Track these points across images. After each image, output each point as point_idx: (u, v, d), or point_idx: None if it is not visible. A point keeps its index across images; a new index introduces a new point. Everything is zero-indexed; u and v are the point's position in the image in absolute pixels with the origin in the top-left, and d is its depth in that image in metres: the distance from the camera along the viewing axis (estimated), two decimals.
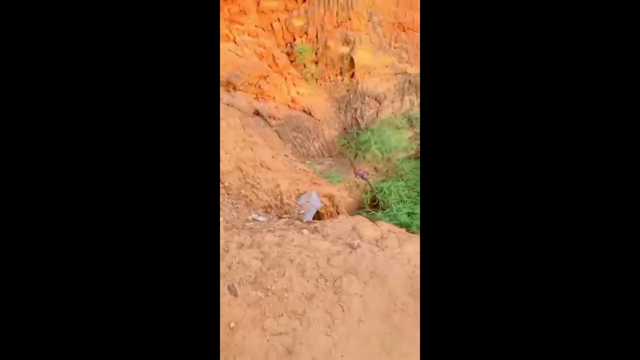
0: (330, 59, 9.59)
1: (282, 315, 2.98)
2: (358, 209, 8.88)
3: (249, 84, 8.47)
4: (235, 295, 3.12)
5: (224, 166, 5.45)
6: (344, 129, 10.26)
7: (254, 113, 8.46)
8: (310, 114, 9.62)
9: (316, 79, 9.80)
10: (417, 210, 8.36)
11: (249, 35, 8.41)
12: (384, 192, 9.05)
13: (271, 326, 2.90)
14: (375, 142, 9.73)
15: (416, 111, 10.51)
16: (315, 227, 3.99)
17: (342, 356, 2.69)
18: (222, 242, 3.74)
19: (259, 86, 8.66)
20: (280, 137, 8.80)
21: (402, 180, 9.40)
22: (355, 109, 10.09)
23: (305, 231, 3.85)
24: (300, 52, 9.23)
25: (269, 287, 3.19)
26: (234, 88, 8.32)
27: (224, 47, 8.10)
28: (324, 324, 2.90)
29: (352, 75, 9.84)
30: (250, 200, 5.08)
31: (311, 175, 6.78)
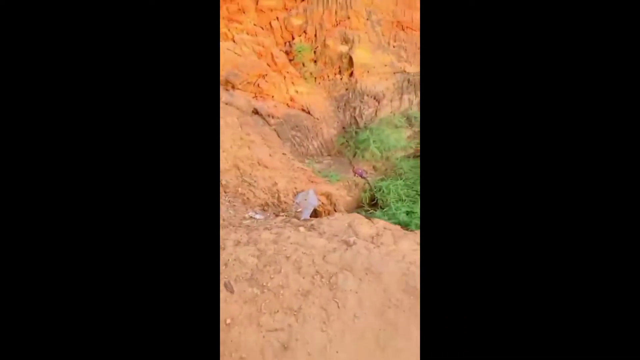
0: (329, 58, 9.59)
1: (277, 311, 3.00)
2: (357, 207, 8.89)
3: (248, 82, 8.48)
4: (232, 292, 3.14)
5: (221, 164, 5.47)
6: (343, 127, 10.26)
7: (252, 112, 8.47)
8: (309, 112, 9.63)
9: (315, 78, 9.80)
10: (416, 209, 8.36)
11: (247, 34, 8.41)
12: (383, 191, 9.05)
13: (267, 322, 2.92)
14: (374, 141, 9.72)
15: (415, 110, 10.50)
16: (312, 225, 4.01)
17: (337, 352, 2.71)
18: None
19: (258, 85, 8.66)
20: (279, 136, 8.81)
21: (400, 179, 9.40)
22: (354, 108, 10.09)
23: (301, 228, 3.87)
24: (299, 51, 9.23)
25: (265, 284, 3.21)
26: (233, 87, 8.33)
27: (223, 45, 8.11)
28: (319, 320, 2.92)
29: (351, 74, 9.84)
30: (248, 198, 5.09)
31: (309, 173, 6.80)
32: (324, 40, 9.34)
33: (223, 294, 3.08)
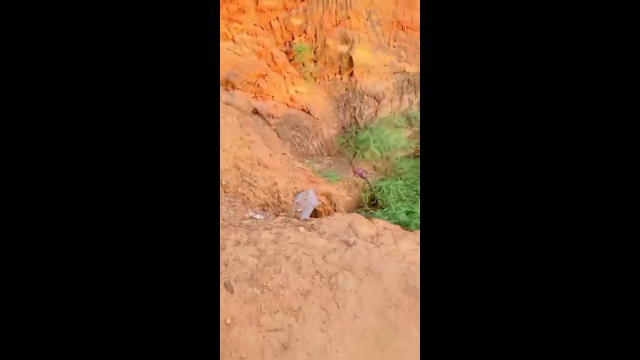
0: (329, 58, 9.59)
1: (277, 311, 3.00)
2: (357, 207, 8.88)
3: (248, 82, 8.48)
4: (232, 292, 3.14)
5: (221, 164, 5.47)
6: (343, 127, 10.27)
7: (252, 112, 8.47)
8: (309, 112, 9.63)
9: (315, 78, 9.81)
10: (416, 209, 8.36)
11: (247, 34, 8.41)
12: (383, 191, 9.05)
13: (267, 322, 2.92)
14: (374, 141, 9.73)
15: (415, 110, 10.51)
16: (312, 225, 4.01)
17: (337, 352, 2.71)
18: None
19: (258, 85, 8.67)
20: (279, 136, 8.82)
21: (400, 179, 9.40)
22: (354, 108, 10.09)
23: (301, 228, 3.87)
24: (299, 51, 9.23)
25: (265, 284, 3.21)
26: (233, 87, 8.33)
27: (223, 45, 8.12)
28: (319, 320, 2.92)
29: (351, 74, 9.84)
30: (248, 198, 5.10)
31: (309, 173, 6.80)
32: (324, 40, 9.34)
33: (223, 294, 3.08)
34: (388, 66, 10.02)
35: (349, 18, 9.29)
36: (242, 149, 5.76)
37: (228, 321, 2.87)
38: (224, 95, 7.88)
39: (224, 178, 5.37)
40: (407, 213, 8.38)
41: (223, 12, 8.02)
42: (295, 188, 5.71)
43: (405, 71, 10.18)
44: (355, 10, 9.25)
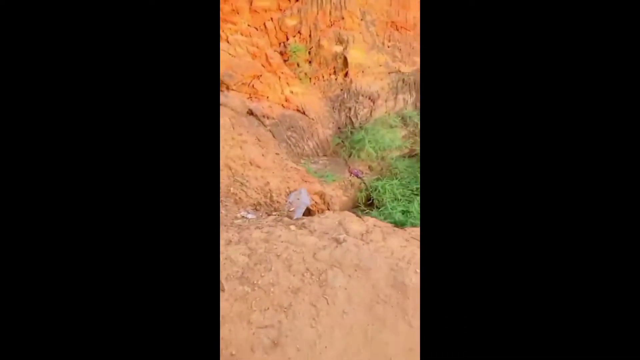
0: (323, 58, 9.61)
1: (268, 308, 3.03)
2: (353, 207, 8.89)
3: (242, 83, 8.50)
4: (223, 290, 3.16)
5: None
6: (338, 128, 10.29)
7: (247, 113, 8.49)
8: (304, 113, 9.64)
9: (310, 78, 9.82)
10: (412, 208, 8.38)
11: (241, 34, 8.43)
12: (379, 191, 9.06)
13: (257, 319, 2.95)
14: (369, 141, 9.75)
15: (410, 110, 10.54)
16: (303, 223, 4.04)
17: (325, 347, 2.74)
18: None
19: (253, 86, 8.68)
20: (274, 137, 8.83)
21: (396, 179, 9.41)
22: (349, 108, 10.12)
23: (292, 227, 3.90)
24: (294, 52, 9.25)
25: (255, 282, 3.24)
26: (227, 88, 8.35)
27: None
28: (309, 316, 2.95)
29: (346, 75, 9.86)
30: (240, 198, 5.12)
31: (302, 173, 6.83)
32: (319, 41, 9.36)
33: None
34: (383, 66, 10.05)
35: (343, 18, 9.32)
36: (234, 149, 5.78)
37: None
38: None
39: None
40: (403, 212, 8.40)
41: None
42: (288, 188, 5.74)
43: (399, 71, 10.22)
44: (350, 10, 9.28)
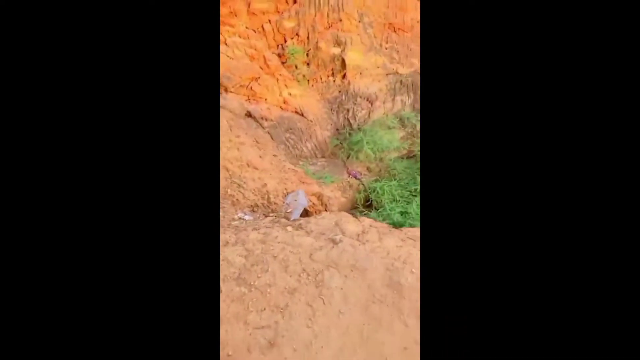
0: (321, 60, 9.65)
1: (264, 309, 3.04)
2: (352, 208, 8.90)
3: (241, 85, 8.53)
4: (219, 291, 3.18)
5: None
6: (337, 129, 10.32)
7: (245, 115, 8.52)
8: (302, 115, 9.67)
9: (308, 80, 9.85)
10: (410, 209, 8.38)
11: (239, 37, 8.47)
12: (377, 192, 9.06)
13: (254, 320, 2.96)
14: (367, 142, 9.77)
15: (408, 111, 10.58)
16: (300, 224, 4.05)
17: (322, 347, 2.75)
18: None
19: (251, 88, 8.71)
20: (272, 139, 8.85)
21: (394, 180, 9.42)
22: (348, 110, 10.15)
23: (289, 228, 3.92)
24: (292, 54, 9.28)
25: (252, 283, 3.25)
26: (225, 90, 8.38)
27: None
28: (305, 316, 2.96)
29: (344, 76, 9.90)
30: (237, 199, 5.13)
31: (300, 174, 6.84)
32: (317, 43, 9.40)
33: None
34: (380, 68, 10.10)
35: (340, 20, 9.36)
36: (231, 150, 5.80)
37: None
38: None
39: None
40: (402, 213, 8.40)
41: None
42: (286, 189, 5.76)
43: (397, 73, 10.26)
44: (347, 12, 9.32)
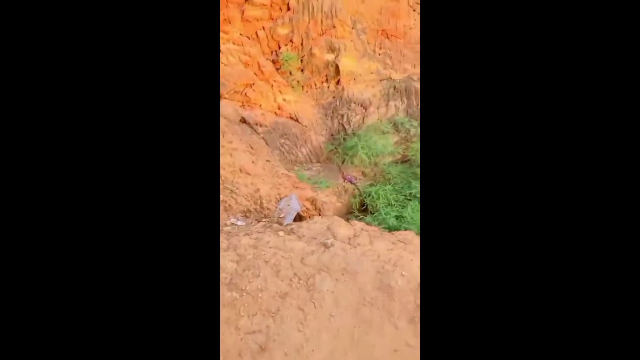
0: (315, 66, 9.72)
1: (256, 314, 3.04)
2: (347, 213, 8.91)
3: (235, 92, 8.57)
4: None
5: None
6: (331, 134, 10.37)
7: (240, 121, 8.55)
8: (297, 120, 9.72)
9: (302, 86, 9.91)
10: (405, 213, 8.40)
11: (233, 43, 8.53)
12: (372, 197, 9.08)
13: (245, 325, 2.96)
14: (362, 147, 9.82)
15: (401, 116, 10.66)
16: (292, 229, 4.06)
17: (313, 350, 2.75)
18: None
19: (245, 94, 8.76)
20: (267, 144, 8.88)
21: (389, 184, 9.45)
22: (342, 115, 10.21)
23: (281, 233, 3.93)
24: (286, 60, 9.35)
25: (243, 288, 3.25)
26: (220, 96, 8.42)
27: None
28: (296, 320, 2.97)
29: (338, 82, 9.97)
30: (229, 205, 5.14)
31: (293, 179, 6.86)
32: (311, 49, 9.48)
33: None
34: (374, 74, 10.19)
35: (334, 27, 9.45)
36: (224, 156, 5.82)
37: None
38: None
39: None
40: (397, 218, 8.41)
41: None
42: (279, 194, 5.77)
43: (390, 78, 10.36)
44: (341, 19, 9.42)
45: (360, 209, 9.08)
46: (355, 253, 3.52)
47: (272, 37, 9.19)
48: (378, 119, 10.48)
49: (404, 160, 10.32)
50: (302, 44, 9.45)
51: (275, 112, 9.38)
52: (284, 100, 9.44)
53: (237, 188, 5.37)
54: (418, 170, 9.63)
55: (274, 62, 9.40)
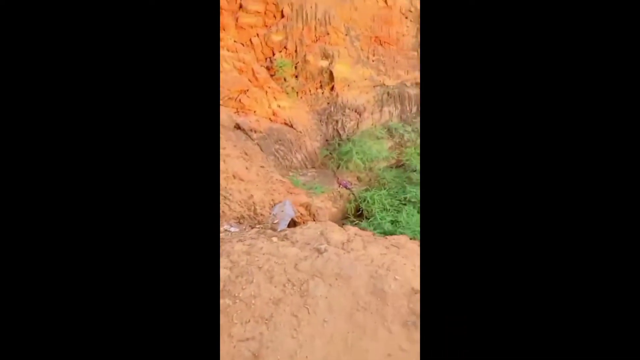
0: (310, 73, 9.80)
1: (249, 321, 3.02)
2: (343, 218, 8.93)
3: (229, 98, 8.60)
4: None
5: None
6: (326, 140, 10.43)
7: (234, 127, 8.57)
8: (292, 126, 9.77)
9: (297, 93, 9.99)
10: (400, 218, 8.43)
11: (228, 50, 8.58)
12: (368, 201, 9.11)
13: (238, 332, 2.94)
14: (356, 153, 9.90)
15: (395, 122, 10.76)
16: (285, 235, 4.05)
17: (306, 357, 2.73)
18: None
19: (239, 100, 8.79)
20: (262, 150, 8.90)
21: (384, 189, 9.50)
22: (336, 121, 10.29)
23: (274, 239, 3.92)
24: (280, 66, 9.42)
25: (237, 295, 3.23)
26: None
27: None
28: (290, 326, 2.95)
29: (332, 88, 10.06)
30: (223, 211, 5.12)
31: (288, 185, 6.86)
32: (305, 56, 9.56)
33: None
34: (368, 80, 10.29)
35: (328, 34, 9.55)
36: None
37: None
38: None
39: None
40: (392, 222, 8.44)
41: None
42: (273, 200, 5.76)
43: (384, 84, 10.46)
44: (334, 26, 9.52)
45: (356, 214, 9.10)
46: (348, 258, 3.51)
47: (266, 44, 9.26)
48: (372, 125, 10.57)
49: (398, 165, 10.40)
50: (296, 51, 9.53)
51: (269, 118, 9.43)
52: (279, 106, 9.49)
53: (230, 194, 5.36)
54: (412, 175, 9.70)
55: (268, 68, 9.47)
